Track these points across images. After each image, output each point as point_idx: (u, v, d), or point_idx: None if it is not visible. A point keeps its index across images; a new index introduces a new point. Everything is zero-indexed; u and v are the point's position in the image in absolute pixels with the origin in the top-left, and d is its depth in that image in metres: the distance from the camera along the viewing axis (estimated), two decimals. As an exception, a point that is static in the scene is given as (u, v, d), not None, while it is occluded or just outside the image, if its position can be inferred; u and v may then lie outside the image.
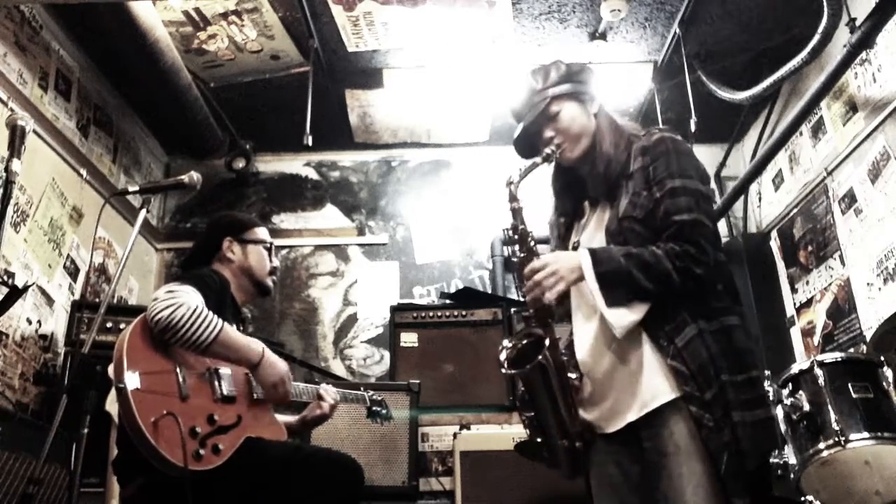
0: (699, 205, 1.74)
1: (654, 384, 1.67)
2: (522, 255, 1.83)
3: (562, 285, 1.72)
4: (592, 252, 1.72)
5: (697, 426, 1.60)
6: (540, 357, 1.72)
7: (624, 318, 1.68)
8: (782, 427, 2.66)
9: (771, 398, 2.68)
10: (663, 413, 1.66)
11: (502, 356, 1.80)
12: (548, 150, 1.89)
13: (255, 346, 2.15)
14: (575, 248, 1.91)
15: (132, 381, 1.91)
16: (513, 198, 1.89)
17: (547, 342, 1.73)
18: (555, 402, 1.75)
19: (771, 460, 2.60)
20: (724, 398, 1.60)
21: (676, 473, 1.61)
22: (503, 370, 1.78)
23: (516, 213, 1.89)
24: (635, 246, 1.73)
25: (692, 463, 1.60)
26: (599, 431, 1.80)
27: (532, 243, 1.85)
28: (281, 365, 2.19)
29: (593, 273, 1.69)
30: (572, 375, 1.79)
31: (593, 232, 1.90)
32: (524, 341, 1.81)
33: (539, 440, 1.81)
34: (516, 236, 1.87)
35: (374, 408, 2.71)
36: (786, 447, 2.62)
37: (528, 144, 1.96)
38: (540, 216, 2.06)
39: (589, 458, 1.83)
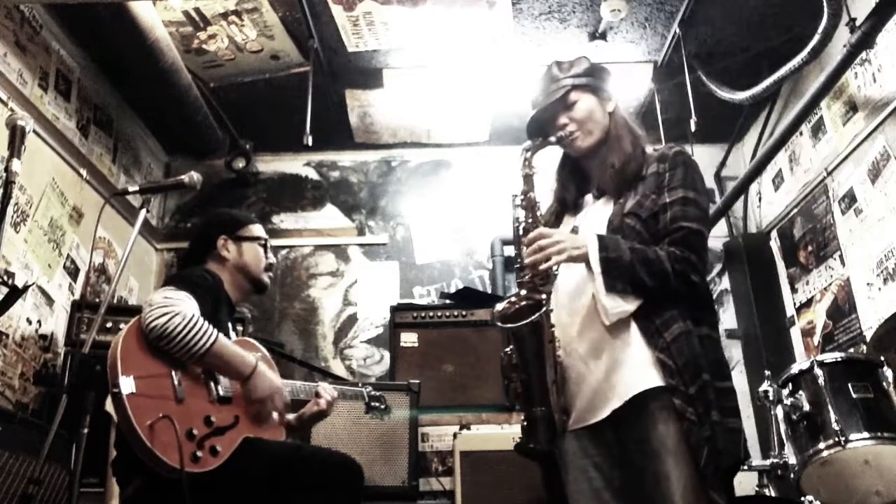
0: (704, 222, 1.83)
1: (638, 372, 1.69)
2: (528, 221, 1.88)
3: (563, 256, 1.75)
4: (600, 238, 1.76)
5: (680, 419, 1.62)
6: (537, 315, 1.72)
7: (618, 306, 1.72)
8: (782, 427, 2.66)
9: (771, 398, 2.69)
10: (647, 405, 1.67)
11: (498, 308, 1.81)
12: (560, 135, 1.93)
13: (249, 358, 2.14)
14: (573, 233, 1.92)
15: (127, 385, 1.90)
16: (526, 163, 1.93)
17: (545, 306, 1.75)
18: (542, 366, 1.74)
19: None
20: (706, 397, 1.64)
21: (664, 476, 1.61)
22: (498, 323, 1.81)
23: (527, 178, 1.93)
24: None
25: (680, 466, 1.60)
26: (581, 425, 1.77)
27: (538, 213, 1.89)
28: (274, 380, 2.17)
29: (598, 256, 1.72)
30: (560, 353, 1.79)
31: (594, 220, 1.91)
32: (523, 302, 1.80)
33: (518, 406, 1.81)
34: (524, 202, 1.90)
35: (372, 403, 2.71)
36: (786, 447, 2.62)
37: (541, 130, 1.99)
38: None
39: (564, 459, 1.80)
